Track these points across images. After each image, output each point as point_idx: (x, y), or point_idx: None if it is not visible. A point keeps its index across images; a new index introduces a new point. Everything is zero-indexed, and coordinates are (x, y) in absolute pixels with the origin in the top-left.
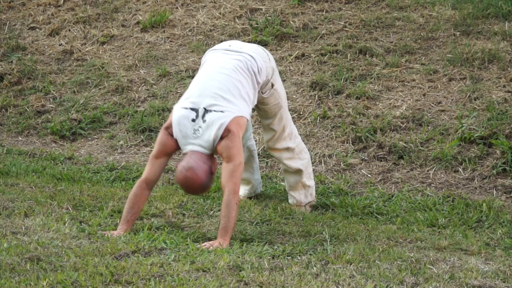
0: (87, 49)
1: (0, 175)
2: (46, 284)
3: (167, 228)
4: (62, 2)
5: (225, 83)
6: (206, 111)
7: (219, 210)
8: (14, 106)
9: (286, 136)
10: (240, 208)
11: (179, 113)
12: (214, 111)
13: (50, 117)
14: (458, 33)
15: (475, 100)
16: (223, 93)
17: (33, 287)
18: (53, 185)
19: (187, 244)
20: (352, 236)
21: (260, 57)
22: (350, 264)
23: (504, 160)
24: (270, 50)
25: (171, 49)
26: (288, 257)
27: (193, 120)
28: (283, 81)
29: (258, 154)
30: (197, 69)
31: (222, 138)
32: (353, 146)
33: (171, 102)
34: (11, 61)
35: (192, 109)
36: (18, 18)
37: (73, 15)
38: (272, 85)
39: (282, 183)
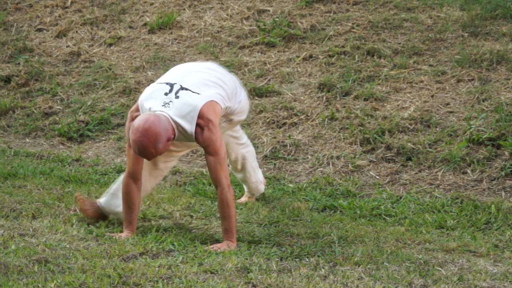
0: (94, 50)
1: (7, 177)
2: (54, 286)
3: (174, 230)
4: (69, 3)
5: (205, 75)
6: (182, 88)
7: None
8: (22, 108)
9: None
10: (248, 210)
11: (151, 87)
12: (191, 91)
13: (57, 118)
14: (466, 34)
15: (483, 101)
16: (204, 81)
17: None
18: (61, 187)
19: (195, 246)
20: (361, 238)
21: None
22: (359, 266)
23: None
24: (278, 51)
25: (179, 51)
26: (296, 259)
27: (166, 94)
28: (291, 82)
29: (266, 156)
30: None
31: (200, 126)
32: (361, 148)
33: None
34: (19, 63)
35: (168, 83)
36: (25, 20)
37: (80, 17)
38: (231, 120)
39: (290, 185)
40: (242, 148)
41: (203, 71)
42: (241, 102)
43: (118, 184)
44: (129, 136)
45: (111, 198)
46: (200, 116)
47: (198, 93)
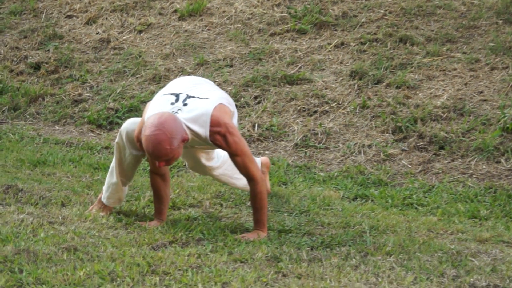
0: (124, 37)
1: (37, 165)
2: (83, 274)
3: (204, 219)
4: None
5: (210, 87)
6: (188, 96)
7: None
8: (51, 95)
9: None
10: (279, 199)
11: (155, 101)
12: (198, 97)
13: (87, 106)
14: (500, 21)
15: None
16: (209, 90)
17: (69, 277)
18: (90, 174)
19: (225, 235)
20: (392, 227)
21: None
22: (390, 256)
23: None
24: (309, 39)
25: (209, 38)
26: (327, 249)
27: (172, 104)
28: (322, 70)
29: (296, 145)
30: (235, 57)
31: (220, 134)
32: (393, 136)
33: None
34: (48, 50)
35: (173, 94)
36: (55, 7)
37: (110, 3)
38: None
39: (321, 173)
40: (215, 171)
41: (206, 84)
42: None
43: (108, 174)
44: (142, 138)
45: (107, 189)
46: (215, 122)
47: (207, 98)
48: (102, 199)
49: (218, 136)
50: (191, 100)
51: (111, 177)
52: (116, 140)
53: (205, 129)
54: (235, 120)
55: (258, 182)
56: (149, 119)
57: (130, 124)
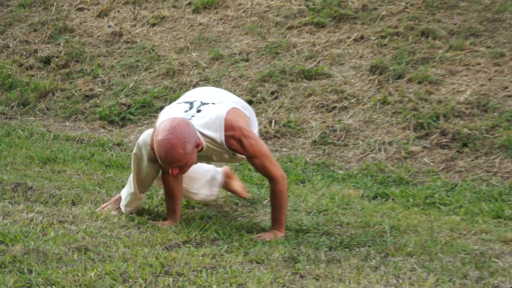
0: (137, 31)
1: (47, 162)
2: (94, 275)
3: (219, 218)
4: None
5: (227, 95)
6: (203, 104)
7: None
8: (62, 90)
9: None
10: (296, 198)
11: (168, 109)
12: (212, 103)
13: (98, 101)
14: None
15: None
16: (221, 94)
17: (80, 278)
18: (102, 172)
19: (241, 235)
20: (413, 227)
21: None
22: (411, 257)
23: None
24: (328, 32)
25: (224, 31)
26: (346, 249)
27: (186, 111)
28: (341, 64)
29: (314, 142)
30: (252, 52)
31: (234, 138)
32: (414, 133)
33: (224, 86)
34: (59, 44)
35: (187, 102)
36: None
37: None
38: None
39: (340, 171)
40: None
41: (222, 92)
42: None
43: (127, 187)
44: (154, 144)
45: (125, 198)
46: (229, 126)
47: (221, 102)
48: (120, 206)
49: (233, 140)
50: (205, 107)
51: (129, 186)
52: (134, 151)
53: (220, 133)
54: (255, 130)
55: (279, 181)
56: (161, 125)
57: (147, 135)
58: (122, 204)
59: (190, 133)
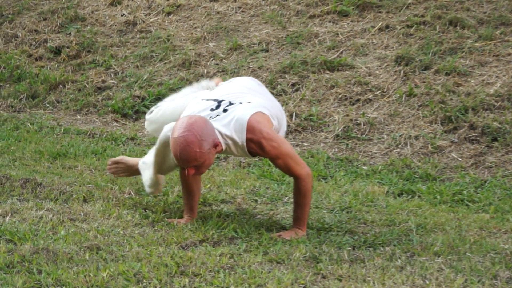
0: (151, 20)
1: (57, 157)
2: (107, 275)
3: (237, 216)
4: None
5: (257, 90)
6: (231, 104)
7: None
8: (73, 82)
9: None
10: (318, 194)
11: (194, 104)
12: (240, 103)
13: (111, 94)
14: None
15: None
16: (254, 93)
17: (92, 279)
18: None
19: (260, 233)
20: (441, 225)
21: None
22: (438, 257)
23: None
24: (351, 21)
25: (243, 20)
26: (370, 248)
27: (212, 110)
28: (365, 55)
29: (337, 136)
30: (272, 41)
31: (253, 141)
32: (442, 127)
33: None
34: (69, 33)
35: (215, 100)
36: None
37: None
38: None
39: (364, 167)
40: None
41: (257, 91)
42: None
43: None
44: (170, 141)
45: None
46: (250, 129)
47: (249, 102)
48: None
49: (252, 144)
50: (232, 107)
51: (149, 170)
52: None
53: (242, 135)
54: (282, 133)
55: (304, 179)
56: (178, 122)
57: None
58: (145, 185)
59: (208, 132)
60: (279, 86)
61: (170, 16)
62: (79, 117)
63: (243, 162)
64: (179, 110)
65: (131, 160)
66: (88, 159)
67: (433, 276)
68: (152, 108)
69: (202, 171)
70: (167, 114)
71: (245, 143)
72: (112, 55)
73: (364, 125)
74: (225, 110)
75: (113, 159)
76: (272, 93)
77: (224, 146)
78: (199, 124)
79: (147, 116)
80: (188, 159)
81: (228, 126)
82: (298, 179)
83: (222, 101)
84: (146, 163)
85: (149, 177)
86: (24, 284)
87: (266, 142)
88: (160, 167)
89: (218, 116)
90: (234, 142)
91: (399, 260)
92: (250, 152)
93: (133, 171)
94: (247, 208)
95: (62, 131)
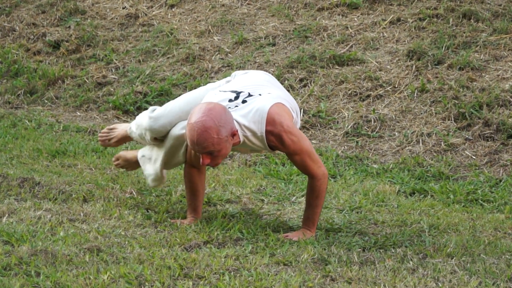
0: (154, 13)
1: (56, 155)
2: (107, 278)
3: (243, 216)
4: None
5: (278, 90)
6: (250, 95)
7: (302, 196)
8: (72, 77)
9: None
10: (327, 194)
11: (211, 95)
12: (259, 94)
13: (112, 89)
14: None
15: None
16: (271, 86)
17: (92, 281)
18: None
19: (266, 234)
20: (454, 226)
21: None
22: (452, 258)
23: None
24: (361, 14)
25: (249, 13)
26: (381, 250)
27: (230, 101)
28: (376, 49)
29: (347, 133)
30: (279, 35)
31: (273, 134)
32: (455, 124)
33: None
34: (69, 26)
35: (233, 91)
36: None
37: None
38: None
39: (374, 165)
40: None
41: (274, 84)
42: None
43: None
44: (186, 128)
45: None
46: (270, 120)
47: (269, 93)
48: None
49: (272, 136)
50: (252, 98)
51: (154, 164)
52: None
53: (261, 126)
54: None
55: (320, 179)
56: (195, 108)
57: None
58: (148, 180)
59: (226, 119)
60: (286, 82)
61: (173, 9)
62: (78, 113)
63: (249, 161)
64: (193, 102)
65: (129, 154)
66: (88, 157)
67: (446, 278)
68: (152, 108)
69: (218, 162)
70: (180, 106)
71: (264, 135)
72: (113, 49)
73: (374, 122)
74: (244, 101)
75: (115, 156)
76: None
77: (241, 138)
78: (218, 110)
79: (152, 114)
80: (205, 144)
81: (247, 116)
82: (313, 178)
83: (241, 92)
84: (146, 156)
85: (153, 172)
86: (22, 287)
87: (287, 135)
88: (168, 161)
89: (236, 107)
90: (253, 133)
91: (411, 262)
92: (269, 146)
93: (133, 164)
94: (253, 208)
95: (61, 128)
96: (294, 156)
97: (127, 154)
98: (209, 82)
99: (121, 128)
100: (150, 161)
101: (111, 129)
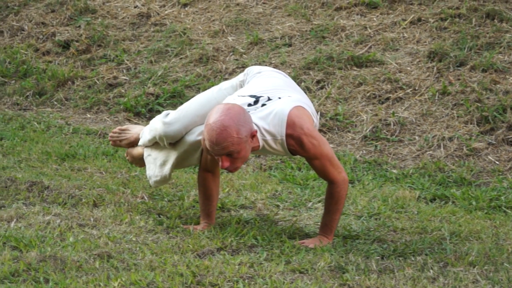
0: (166, 12)
1: (65, 158)
2: (118, 285)
3: (258, 222)
4: None
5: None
6: (269, 99)
7: (319, 202)
8: (82, 78)
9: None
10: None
11: (231, 100)
12: (278, 97)
13: (123, 91)
14: None
15: None
16: (291, 89)
17: None
18: (127, 170)
19: (282, 241)
20: (476, 233)
21: None
22: (474, 267)
23: None
24: (381, 14)
25: (264, 12)
26: (400, 258)
27: (249, 105)
28: (396, 50)
29: (365, 137)
30: (295, 35)
31: (292, 137)
32: (478, 128)
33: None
34: (79, 26)
35: (252, 96)
36: None
37: None
38: None
39: (394, 170)
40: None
41: (293, 88)
42: None
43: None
44: (204, 130)
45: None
46: (290, 124)
47: (289, 96)
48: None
49: (291, 140)
50: (270, 102)
51: (162, 168)
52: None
53: (281, 129)
54: None
55: (339, 185)
56: (213, 110)
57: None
58: (152, 180)
59: (245, 118)
60: (303, 83)
61: (186, 8)
62: (89, 115)
63: (264, 165)
64: (208, 105)
65: (134, 150)
66: (98, 160)
67: None
68: (166, 112)
69: (237, 165)
70: (195, 110)
71: (284, 138)
72: (124, 49)
73: (394, 125)
74: (263, 105)
75: (126, 151)
76: None
77: (261, 143)
78: (236, 110)
79: (166, 119)
80: (225, 144)
81: (266, 119)
82: (332, 184)
83: (260, 97)
84: (152, 156)
85: (159, 174)
86: None
87: (307, 138)
88: (179, 164)
89: (255, 111)
90: (273, 137)
91: (431, 271)
92: (289, 150)
93: (139, 160)
94: (268, 214)
95: (71, 130)
96: (314, 160)
97: (133, 150)
98: (242, 67)
99: (134, 131)
100: (156, 162)
101: (123, 130)
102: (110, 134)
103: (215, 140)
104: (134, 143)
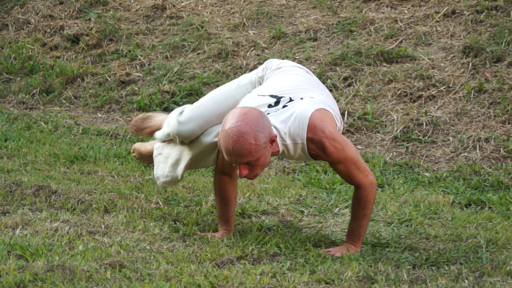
0: (182, 4)
1: (74, 161)
2: None
3: (280, 229)
4: None
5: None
6: (291, 100)
7: (346, 207)
8: (92, 75)
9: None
10: (374, 205)
11: (249, 100)
12: (301, 98)
13: (136, 88)
14: None
15: None
16: (314, 88)
17: None
18: (140, 173)
19: (306, 249)
20: None
21: None
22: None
23: None
24: (412, 6)
25: (288, 5)
26: (433, 267)
27: (270, 107)
28: (428, 45)
29: (396, 138)
30: (321, 29)
31: (313, 142)
32: None
33: None
34: (89, 19)
35: (273, 96)
36: None
37: None
38: None
39: (426, 173)
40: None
41: (317, 86)
42: None
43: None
44: (220, 136)
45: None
46: (311, 127)
47: (312, 97)
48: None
49: (312, 144)
50: (292, 103)
51: (174, 168)
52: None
53: (302, 132)
54: None
55: (367, 189)
56: (229, 113)
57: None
58: (160, 181)
59: (264, 123)
60: (329, 81)
61: (204, 0)
62: (99, 115)
63: (288, 168)
64: (225, 103)
65: (143, 148)
66: (110, 163)
67: None
68: (181, 108)
69: (257, 173)
70: (211, 108)
71: (305, 142)
72: (137, 44)
73: (426, 125)
74: (284, 107)
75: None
76: None
77: (281, 148)
78: (254, 114)
79: (181, 118)
80: (242, 152)
81: (287, 122)
82: (359, 188)
83: (281, 97)
84: (163, 155)
85: (169, 174)
86: None
87: (329, 142)
88: (193, 165)
89: (275, 112)
90: (293, 141)
91: (466, 281)
92: (310, 155)
93: (148, 158)
94: (292, 221)
95: (81, 131)
96: (338, 165)
97: (141, 147)
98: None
99: (158, 119)
100: (167, 161)
101: (147, 117)
102: (133, 121)
103: (231, 148)
104: (155, 132)
